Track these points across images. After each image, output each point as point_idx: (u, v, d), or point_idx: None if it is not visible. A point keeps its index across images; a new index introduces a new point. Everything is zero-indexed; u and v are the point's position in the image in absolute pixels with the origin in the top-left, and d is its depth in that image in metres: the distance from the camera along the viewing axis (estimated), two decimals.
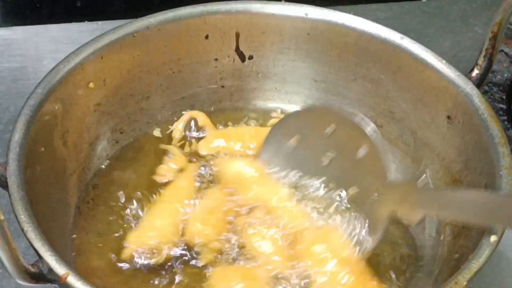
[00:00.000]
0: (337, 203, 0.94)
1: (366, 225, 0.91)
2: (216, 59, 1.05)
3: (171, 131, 1.04)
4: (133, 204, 0.95)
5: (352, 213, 0.92)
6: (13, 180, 0.82)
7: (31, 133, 0.88)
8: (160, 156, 1.01)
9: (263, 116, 1.07)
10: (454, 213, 0.85)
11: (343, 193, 0.94)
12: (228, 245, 0.91)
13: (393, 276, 0.91)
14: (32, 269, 0.77)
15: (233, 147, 1.01)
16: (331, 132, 0.93)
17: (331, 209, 0.94)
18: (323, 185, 0.95)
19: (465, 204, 0.83)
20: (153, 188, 0.97)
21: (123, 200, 0.96)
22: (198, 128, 1.04)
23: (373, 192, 0.91)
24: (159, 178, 0.98)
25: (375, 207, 0.90)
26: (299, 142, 0.97)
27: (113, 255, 0.91)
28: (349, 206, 0.94)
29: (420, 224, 0.89)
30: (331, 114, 0.95)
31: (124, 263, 0.90)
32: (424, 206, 0.87)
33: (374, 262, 0.91)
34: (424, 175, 0.98)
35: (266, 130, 1.01)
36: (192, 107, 1.06)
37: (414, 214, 0.87)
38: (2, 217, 0.73)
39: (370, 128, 0.91)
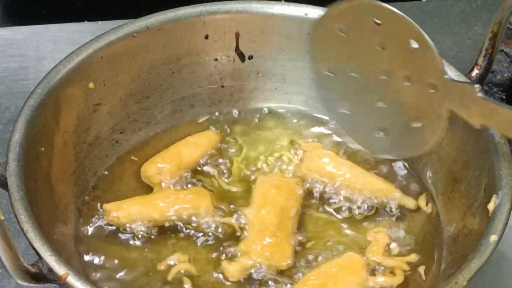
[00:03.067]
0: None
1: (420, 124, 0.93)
2: (216, 59, 1.05)
3: None
4: None
5: None
6: (13, 180, 0.82)
7: (31, 133, 0.88)
8: None
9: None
10: None
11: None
12: None
13: None
14: (32, 269, 0.77)
15: None
16: (379, 23, 0.91)
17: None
18: (382, 74, 0.94)
19: None
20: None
21: None
22: None
23: (429, 86, 0.90)
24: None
25: (435, 103, 0.90)
26: (348, 33, 0.95)
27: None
28: None
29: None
30: (375, 7, 0.91)
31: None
32: (485, 118, 0.86)
33: None
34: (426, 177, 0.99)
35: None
36: (192, 107, 1.06)
37: (475, 121, 0.86)
38: (2, 217, 0.73)
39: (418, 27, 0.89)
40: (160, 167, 0.97)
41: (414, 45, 0.89)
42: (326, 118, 1.05)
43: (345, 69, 0.97)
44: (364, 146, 1.01)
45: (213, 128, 1.04)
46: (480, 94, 0.85)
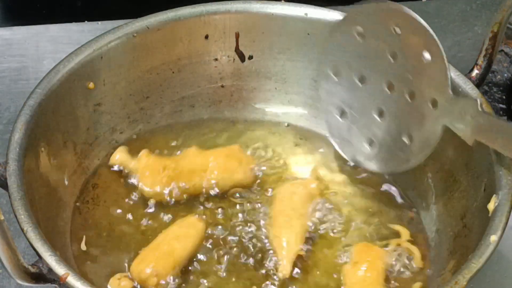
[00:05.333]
0: None
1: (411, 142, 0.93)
2: (216, 59, 1.05)
3: None
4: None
5: None
6: (13, 180, 0.82)
7: (31, 133, 0.88)
8: None
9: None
10: None
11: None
12: None
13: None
14: (32, 269, 0.77)
15: None
16: (397, 30, 0.91)
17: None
18: (385, 85, 0.94)
19: None
20: None
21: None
22: None
23: (430, 101, 0.90)
24: None
25: (432, 119, 0.90)
26: (364, 38, 0.94)
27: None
28: None
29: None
30: (399, 12, 0.91)
31: None
32: (481, 134, 0.86)
33: None
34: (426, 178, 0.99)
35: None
36: (192, 107, 1.06)
37: (469, 137, 0.86)
38: (2, 217, 0.73)
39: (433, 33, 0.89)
40: (154, 269, 0.87)
41: (427, 57, 0.89)
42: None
43: (351, 74, 0.97)
44: (347, 154, 1.01)
45: (196, 216, 0.95)
46: (482, 109, 0.85)
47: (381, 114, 0.96)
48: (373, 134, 0.97)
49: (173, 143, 1.03)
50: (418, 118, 0.92)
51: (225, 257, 0.91)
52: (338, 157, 1.02)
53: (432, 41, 0.88)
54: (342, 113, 1.00)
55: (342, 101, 0.99)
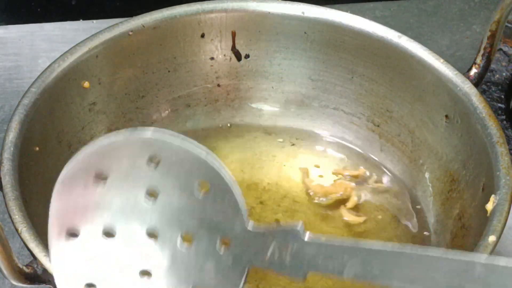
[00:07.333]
0: None
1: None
2: (212, 58, 1.04)
3: None
4: None
5: None
6: (7, 180, 0.82)
7: (25, 132, 0.87)
8: None
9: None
10: (351, 273, 0.61)
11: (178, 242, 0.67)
12: None
13: None
14: (27, 270, 0.77)
15: None
16: (155, 164, 0.66)
17: None
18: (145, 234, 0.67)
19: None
20: None
21: None
22: None
23: (215, 241, 0.66)
24: None
25: (224, 263, 0.67)
26: (106, 182, 0.66)
27: None
28: None
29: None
30: (152, 143, 0.65)
31: None
32: (301, 264, 0.63)
33: None
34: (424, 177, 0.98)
35: None
36: (188, 106, 1.05)
37: (292, 272, 0.64)
38: None
39: (214, 159, 0.65)
40: None
41: (204, 189, 0.65)
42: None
43: (94, 230, 0.68)
44: None
45: None
46: (305, 235, 0.63)
47: (143, 275, 0.68)
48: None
49: None
50: (205, 267, 0.67)
51: None
52: (334, 158, 1.02)
53: (206, 164, 0.65)
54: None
55: (88, 271, 0.69)
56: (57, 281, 0.69)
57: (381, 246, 0.60)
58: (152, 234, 0.67)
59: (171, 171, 0.66)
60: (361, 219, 0.96)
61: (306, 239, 0.63)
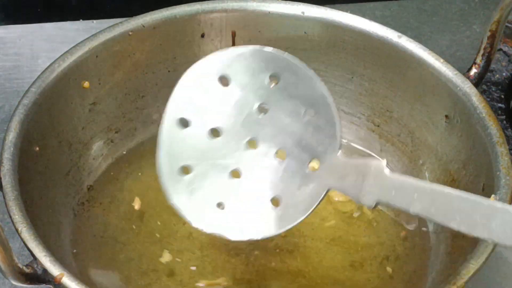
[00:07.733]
0: None
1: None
2: None
3: None
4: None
5: None
6: (7, 180, 0.82)
7: (25, 132, 0.87)
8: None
9: None
10: (417, 208, 0.69)
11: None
12: None
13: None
14: (27, 270, 0.77)
15: None
16: (272, 79, 0.76)
17: None
18: (245, 141, 0.78)
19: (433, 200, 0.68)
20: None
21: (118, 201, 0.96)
22: None
23: (306, 160, 0.77)
24: None
25: (311, 183, 0.76)
26: (229, 85, 0.78)
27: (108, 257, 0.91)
28: None
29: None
30: (277, 59, 0.76)
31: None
32: (376, 193, 0.72)
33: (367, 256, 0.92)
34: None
35: None
36: None
37: (368, 200, 0.72)
38: None
39: (324, 87, 0.74)
40: None
41: (310, 115, 0.76)
42: None
43: (205, 124, 0.79)
44: (192, 217, 0.79)
45: None
46: (387, 171, 0.71)
47: (234, 174, 0.79)
48: (224, 195, 0.79)
49: None
50: (291, 180, 0.77)
51: None
52: None
53: (319, 93, 0.75)
54: (187, 168, 0.80)
55: (189, 155, 0.79)
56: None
57: (450, 189, 0.68)
58: (251, 143, 0.78)
59: (286, 92, 0.75)
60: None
61: (388, 174, 0.71)
